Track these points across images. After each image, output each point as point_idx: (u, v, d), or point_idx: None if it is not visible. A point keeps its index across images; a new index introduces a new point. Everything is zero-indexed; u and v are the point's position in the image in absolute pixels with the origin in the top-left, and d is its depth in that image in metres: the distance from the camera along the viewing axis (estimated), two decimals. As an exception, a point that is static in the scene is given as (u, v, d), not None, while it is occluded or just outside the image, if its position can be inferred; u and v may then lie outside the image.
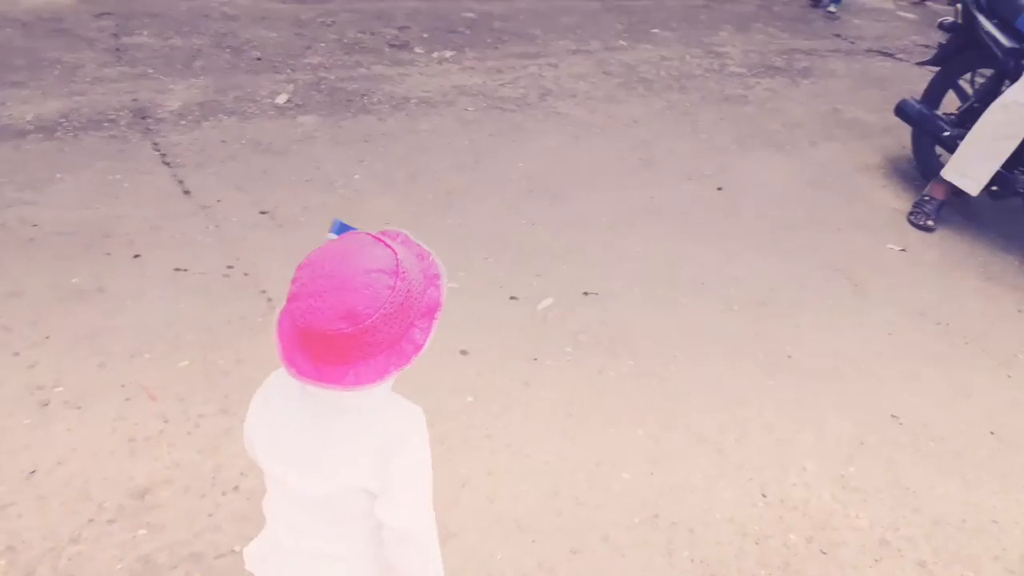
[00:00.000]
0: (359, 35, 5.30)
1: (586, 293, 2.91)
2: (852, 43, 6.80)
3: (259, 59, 4.65)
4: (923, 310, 3.07)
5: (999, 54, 3.69)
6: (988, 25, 3.74)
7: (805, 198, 3.84)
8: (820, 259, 3.33)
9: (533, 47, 5.56)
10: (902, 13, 8.07)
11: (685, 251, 3.27)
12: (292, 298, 1.00)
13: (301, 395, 1.11)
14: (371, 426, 1.10)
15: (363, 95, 4.35)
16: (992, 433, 2.46)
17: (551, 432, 2.28)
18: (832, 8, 7.85)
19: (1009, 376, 2.74)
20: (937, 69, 4.20)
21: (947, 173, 3.68)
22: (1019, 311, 3.15)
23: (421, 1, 6.22)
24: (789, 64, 5.86)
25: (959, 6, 3.94)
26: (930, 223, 3.67)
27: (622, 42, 5.91)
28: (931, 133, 3.99)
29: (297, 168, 3.50)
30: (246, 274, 2.79)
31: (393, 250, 1.01)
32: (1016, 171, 3.61)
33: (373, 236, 1.03)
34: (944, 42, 4.15)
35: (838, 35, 6.98)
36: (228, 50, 4.69)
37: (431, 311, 1.05)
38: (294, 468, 1.12)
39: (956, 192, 3.69)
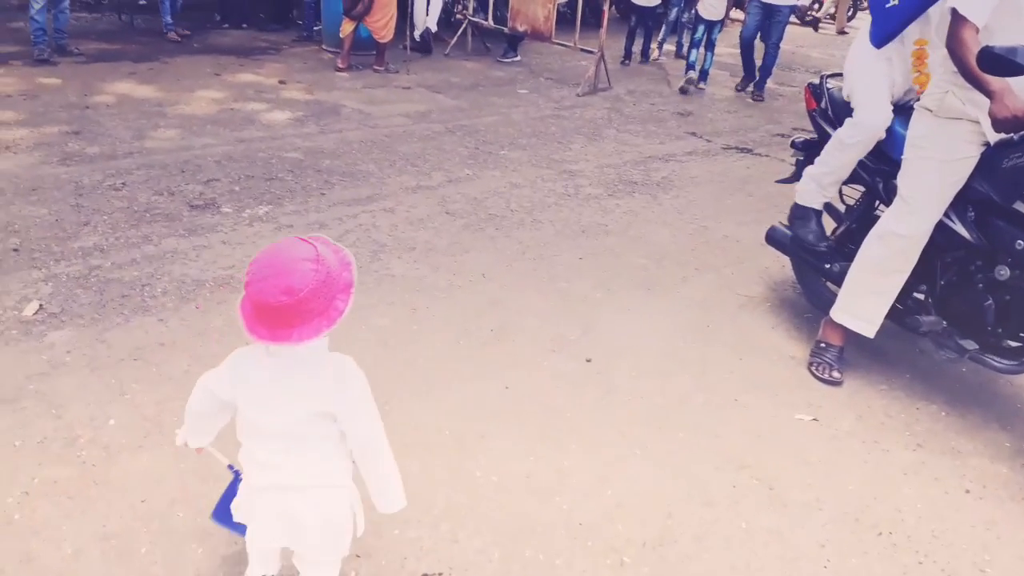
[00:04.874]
0: (155, 198, 4.46)
1: None
2: (708, 141, 6.50)
3: (16, 250, 3.73)
4: (856, 514, 2.42)
5: (864, 175, 3.25)
6: None
7: (689, 358, 3.22)
8: (722, 456, 2.64)
9: (366, 188, 4.87)
10: (751, 100, 7.95)
11: (554, 474, 2.51)
12: (248, 284, 1.47)
13: (265, 356, 1.56)
14: (321, 367, 1.58)
15: (143, 285, 3.49)
16: None
17: None
18: (702, 85, 8.13)
19: (985, 615, 2.11)
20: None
21: (837, 315, 3.12)
22: (967, 491, 2.56)
23: (235, 144, 5.46)
24: (647, 176, 5.41)
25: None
26: (836, 375, 3.10)
27: (468, 171, 5.31)
28: (811, 266, 3.47)
29: (29, 422, 2.57)
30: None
31: (313, 245, 1.49)
32: (909, 303, 3.10)
33: (300, 238, 1.51)
34: (801, 159, 3.66)
35: (693, 133, 6.68)
36: (-23, 242, 3.76)
37: (347, 287, 1.51)
38: (267, 408, 1.57)
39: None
